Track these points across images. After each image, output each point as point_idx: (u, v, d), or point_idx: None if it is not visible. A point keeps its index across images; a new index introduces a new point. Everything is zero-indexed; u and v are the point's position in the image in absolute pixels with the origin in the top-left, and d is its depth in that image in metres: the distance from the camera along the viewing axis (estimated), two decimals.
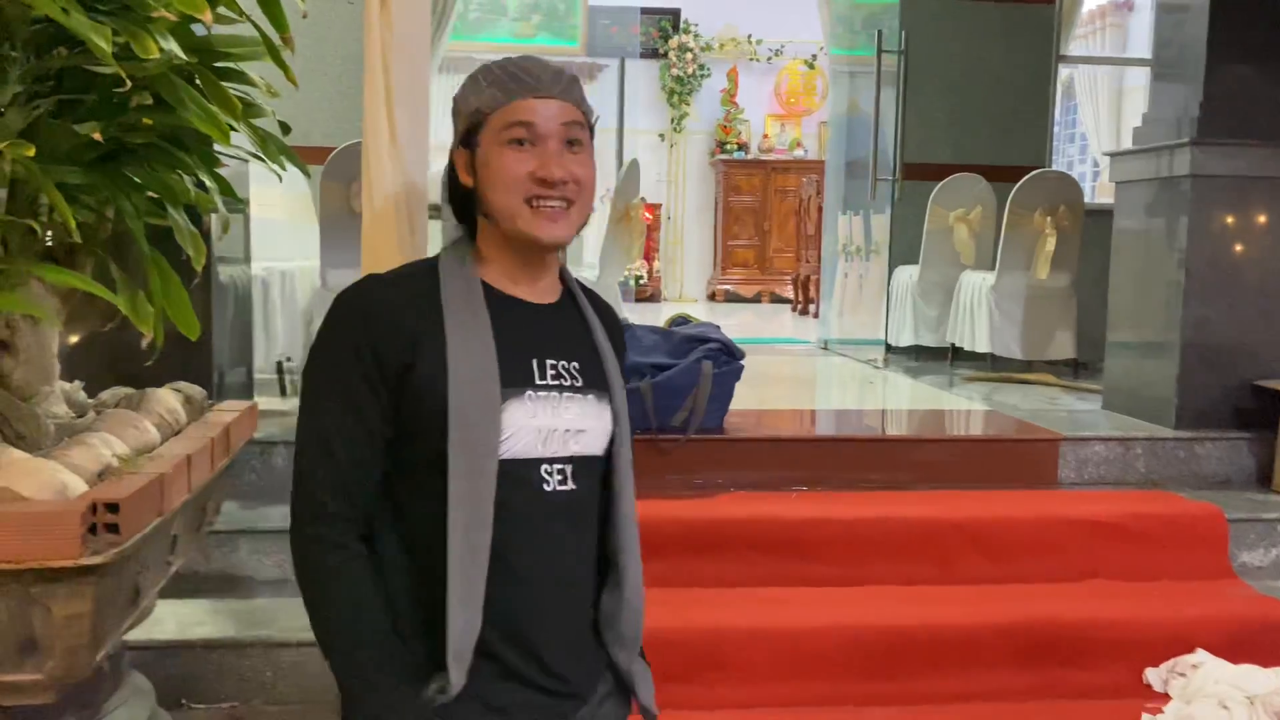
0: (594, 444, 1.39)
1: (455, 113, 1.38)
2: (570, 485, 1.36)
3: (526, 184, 1.30)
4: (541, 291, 1.40)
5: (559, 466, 1.35)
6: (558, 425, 1.34)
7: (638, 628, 1.44)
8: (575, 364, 1.38)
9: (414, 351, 1.28)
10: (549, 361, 1.36)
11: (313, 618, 1.32)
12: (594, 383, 1.39)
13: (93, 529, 1.44)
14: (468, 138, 1.35)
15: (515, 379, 1.32)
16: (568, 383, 1.36)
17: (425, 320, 1.30)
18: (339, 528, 1.29)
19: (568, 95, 1.33)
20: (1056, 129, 6.61)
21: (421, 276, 1.35)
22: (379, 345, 1.28)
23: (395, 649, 1.29)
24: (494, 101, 1.32)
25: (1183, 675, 2.65)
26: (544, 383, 1.34)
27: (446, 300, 1.31)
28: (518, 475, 1.31)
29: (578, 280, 1.48)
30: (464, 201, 1.40)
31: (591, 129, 1.37)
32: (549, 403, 1.34)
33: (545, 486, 1.34)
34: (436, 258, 1.39)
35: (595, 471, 1.41)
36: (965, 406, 4.42)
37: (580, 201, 1.33)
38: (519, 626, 1.31)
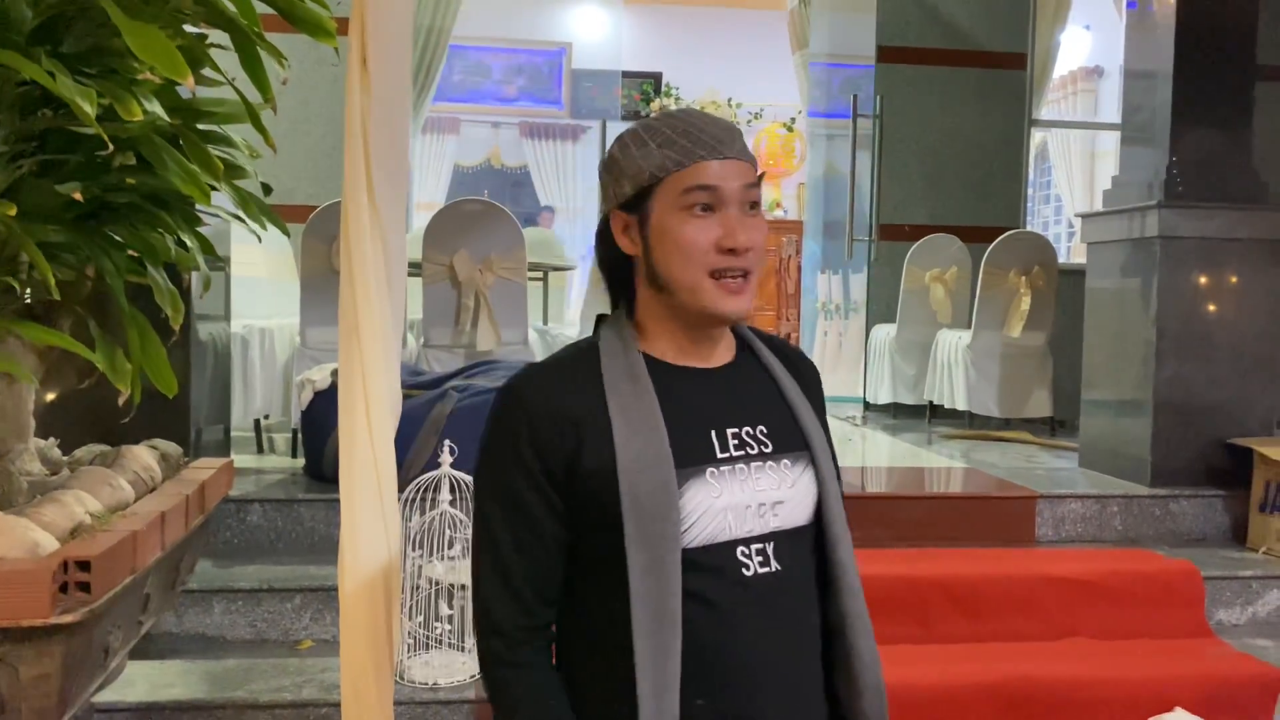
0: (798, 514, 1.26)
1: (614, 175, 1.26)
2: (774, 566, 1.22)
3: (711, 255, 1.20)
4: (714, 356, 1.29)
5: (758, 546, 1.22)
6: (750, 500, 1.22)
7: (882, 710, 1.30)
8: (763, 427, 1.26)
9: (578, 441, 1.18)
10: (730, 430, 1.24)
11: None
12: (788, 444, 1.27)
13: (64, 587, 1.43)
14: (634, 202, 1.24)
15: (693, 457, 1.21)
16: (755, 451, 1.24)
17: (587, 405, 1.20)
18: (512, 641, 1.19)
19: (744, 154, 1.23)
20: (1032, 191, 6.73)
21: (581, 357, 1.25)
22: (539, 440, 1.18)
23: None
24: (669, 164, 1.21)
25: None
26: (727, 455, 1.23)
27: (608, 381, 1.21)
28: (711, 564, 1.19)
29: (754, 330, 1.37)
30: (618, 268, 1.29)
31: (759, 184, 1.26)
32: (736, 477, 1.22)
33: (745, 571, 1.21)
34: (597, 335, 1.29)
35: (804, 544, 1.28)
36: (944, 464, 4.44)
37: (756, 269, 1.22)
38: None
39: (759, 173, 1.25)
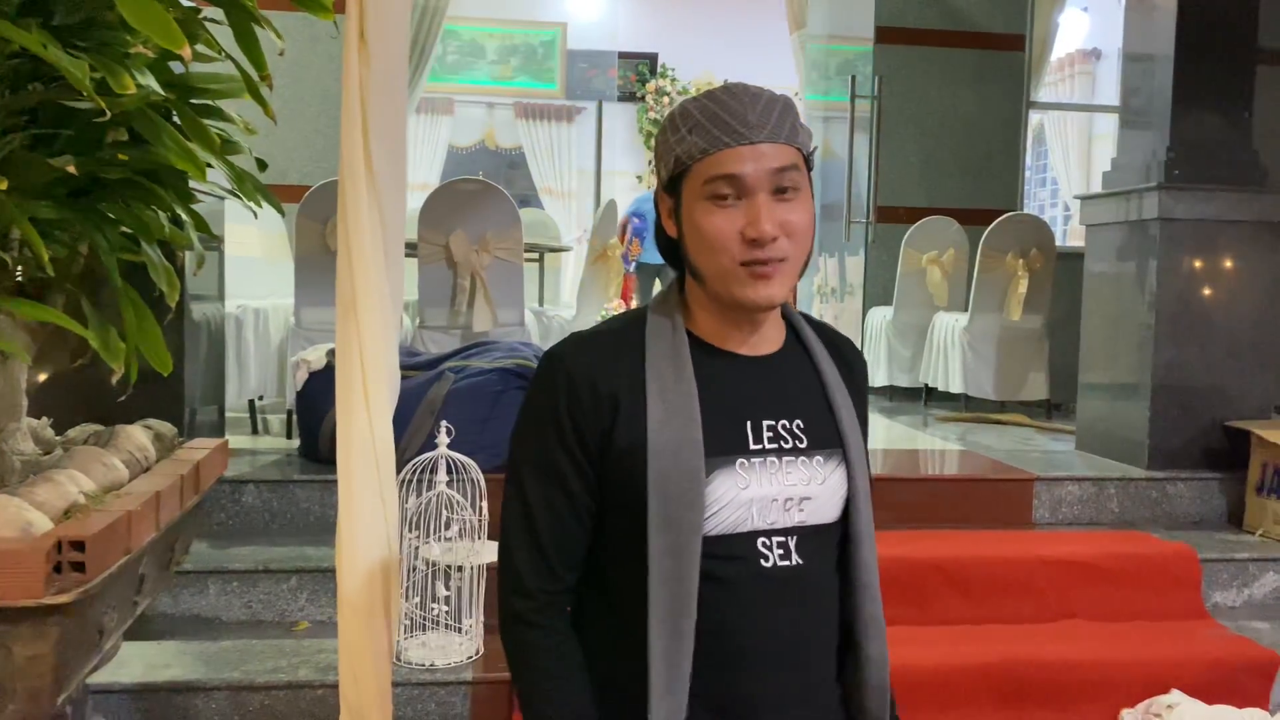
0: (825, 511, 1.26)
1: (657, 156, 1.26)
2: (795, 560, 1.23)
3: (736, 245, 1.17)
4: (759, 343, 1.27)
5: (779, 539, 1.22)
6: (778, 494, 1.22)
7: (883, 707, 1.32)
8: (799, 422, 1.25)
9: (613, 417, 1.19)
10: (766, 423, 1.24)
11: (515, 689, 1.28)
12: (823, 441, 1.26)
13: (58, 568, 1.42)
14: (671, 185, 1.23)
15: (724, 446, 1.21)
16: (789, 445, 1.24)
17: (626, 382, 1.20)
18: (536, 604, 1.22)
19: (778, 135, 1.18)
20: (1028, 173, 6.71)
21: (628, 331, 1.25)
22: (577, 411, 1.20)
23: None
24: (695, 151, 1.18)
25: (1158, 716, 2.64)
26: (759, 447, 1.22)
27: (650, 360, 1.21)
28: (730, 552, 1.20)
29: (805, 315, 1.35)
30: (673, 247, 1.28)
31: (809, 162, 1.21)
32: (766, 470, 1.22)
33: (764, 562, 1.21)
34: (648, 307, 1.28)
35: (829, 541, 1.27)
36: (940, 446, 4.43)
37: (794, 254, 1.19)
38: (741, 715, 1.21)
39: (809, 149, 1.21)
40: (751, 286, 1.18)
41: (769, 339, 1.28)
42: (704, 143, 1.18)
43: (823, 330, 1.35)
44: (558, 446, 1.21)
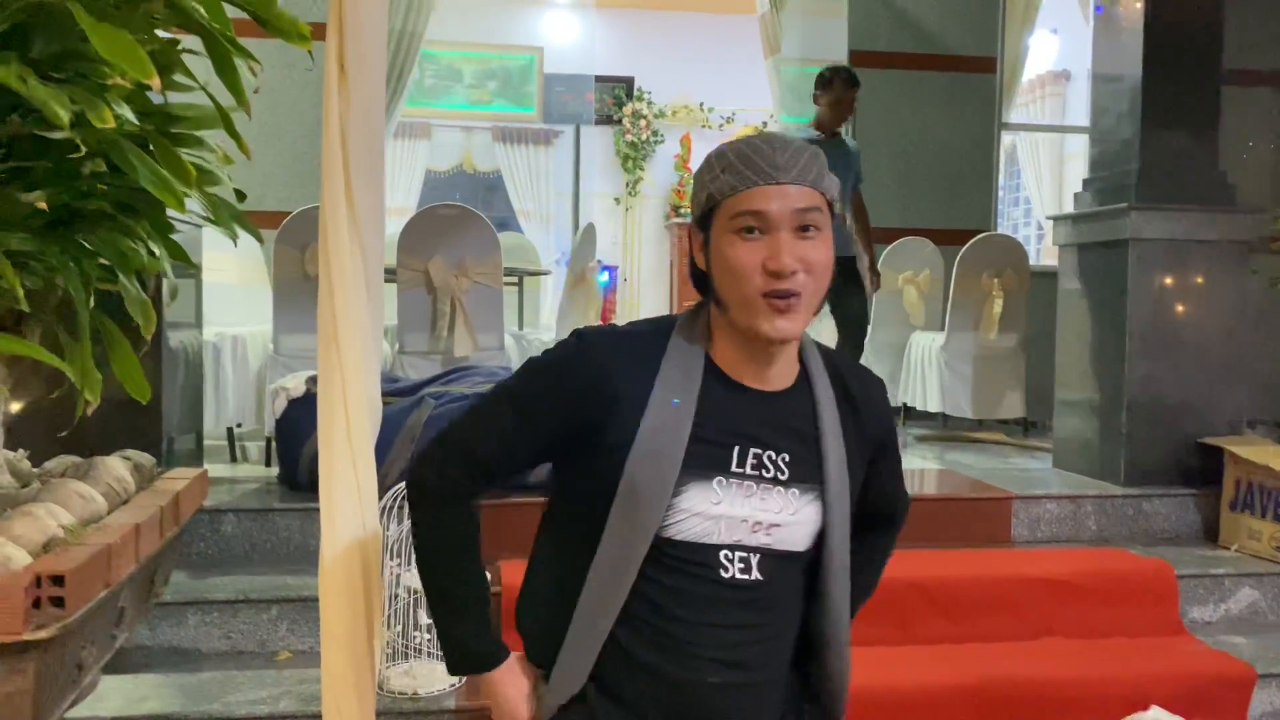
0: (793, 540, 1.35)
1: (693, 193, 1.38)
2: (755, 575, 1.33)
3: (757, 276, 1.27)
4: (771, 378, 1.36)
5: (741, 554, 1.32)
6: (747, 516, 1.32)
7: None
8: (785, 456, 1.34)
9: (609, 415, 1.30)
10: (754, 450, 1.33)
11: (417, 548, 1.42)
12: (804, 477, 1.35)
13: (36, 603, 1.40)
14: (703, 221, 1.35)
15: (706, 463, 1.31)
16: (770, 474, 1.33)
17: (635, 387, 1.31)
18: (448, 481, 1.36)
19: (804, 178, 1.28)
20: (1001, 193, 6.78)
21: (654, 337, 1.37)
22: (579, 402, 1.32)
23: (469, 587, 1.39)
24: (726, 189, 1.29)
25: None
26: (740, 470, 1.32)
27: (664, 371, 1.32)
28: (691, 558, 1.31)
29: (827, 355, 1.43)
30: (702, 278, 1.39)
31: (832, 206, 1.31)
32: (741, 491, 1.32)
33: (724, 573, 1.32)
34: (678, 318, 1.40)
35: (795, 565, 1.37)
36: (919, 465, 4.46)
37: (809, 290, 1.29)
38: (685, 708, 1.33)
39: (832, 196, 1.31)
40: (769, 319, 1.27)
41: (782, 375, 1.36)
42: (734, 181, 1.28)
43: (837, 371, 1.42)
44: (543, 402, 1.33)
